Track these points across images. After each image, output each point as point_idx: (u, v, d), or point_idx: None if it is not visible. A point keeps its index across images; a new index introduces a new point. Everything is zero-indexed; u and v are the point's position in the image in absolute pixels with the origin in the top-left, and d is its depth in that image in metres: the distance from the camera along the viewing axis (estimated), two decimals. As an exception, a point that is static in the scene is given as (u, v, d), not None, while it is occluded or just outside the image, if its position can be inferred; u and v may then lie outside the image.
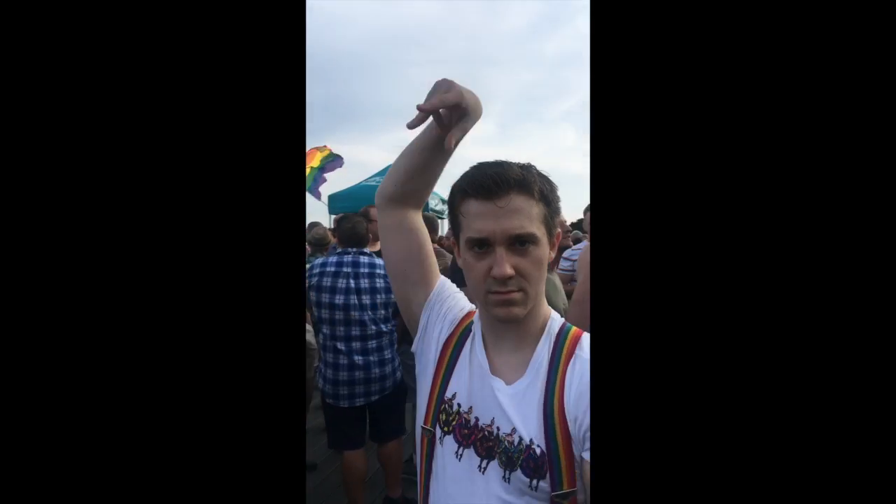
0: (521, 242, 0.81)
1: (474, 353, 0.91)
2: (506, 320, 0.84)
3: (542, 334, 0.88)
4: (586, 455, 0.78)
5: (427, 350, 0.97)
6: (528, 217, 0.81)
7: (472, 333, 0.93)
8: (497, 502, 0.82)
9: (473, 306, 0.98)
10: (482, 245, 0.82)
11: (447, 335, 0.96)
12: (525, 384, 0.85)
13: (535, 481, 0.80)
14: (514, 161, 0.86)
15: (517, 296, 0.82)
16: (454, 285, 1.01)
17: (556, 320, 0.91)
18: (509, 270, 0.79)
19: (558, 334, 0.88)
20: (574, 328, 0.90)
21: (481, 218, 0.81)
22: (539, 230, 0.82)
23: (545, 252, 0.84)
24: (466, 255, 0.85)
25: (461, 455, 0.86)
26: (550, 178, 0.87)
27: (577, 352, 0.85)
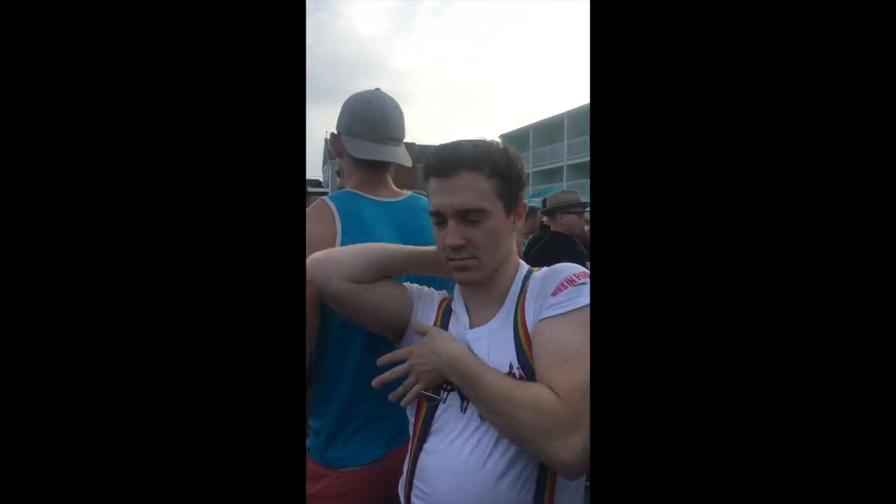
0: (470, 215, 0.90)
1: (457, 318, 1.00)
2: (462, 283, 0.98)
3: (509, 288, 0.98)
4: (536, 319, 0.91)
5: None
6: (476, 192, 0.90)
7: (452, 310, 1.03)
8: (478, 432, 0.91)
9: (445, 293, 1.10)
10: (438, 217, 0.93)
11: (435, 312, 1.05)
12: (497, 322, 0.96)
13: None
14: (477, 139, 0.96)
15: (471, 262, 0.92)
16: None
17: (523, 268, 1.01)
18: (458, 241, 0.90)
19: (524, 279, 0.99)
20: (536, 269, 1.01)
21: (436, 194, 0.92)
22: (490, 204, 0.91)
23: (500, 223, 0.93)
24: (433, 227, 0.96)
25: (465, 407, 0.93)
26: (512, 153, 0.95)
27: (532, 279, 0.97)
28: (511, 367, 0.91)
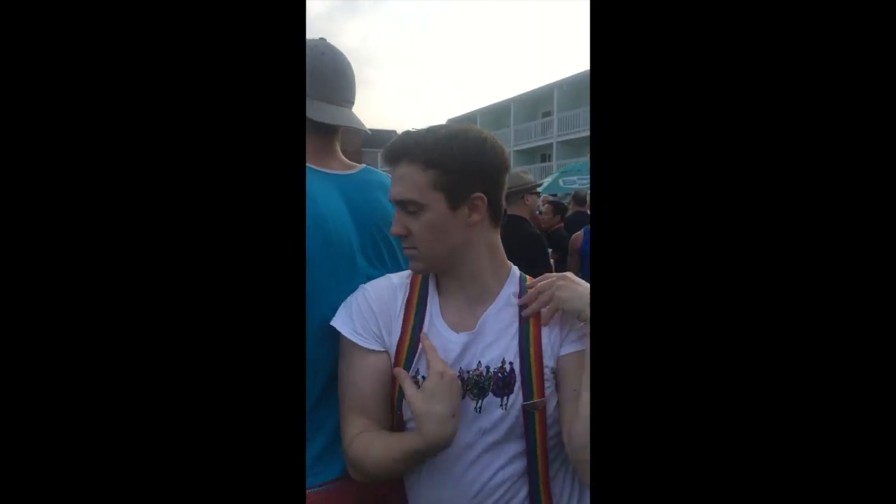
0: (406, 207, 0.90)
1: (432, 316, 0.96)
2: (412, 271, 0.97)
3: (503, 288, 0.96)
4: (563, 350, 0.91)
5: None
6: (410, 184, 0.88)
7: (428, 313, 0.96)
8: (475, 433, 0.90)
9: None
10: (393, 207, 0.93)
11: (404, 296, 0.99)
12: (487, 325, 0.93)
13: (505, 398, 0.90)
14: (437, 126, 0.93)
15: (412, 252, 0.92)
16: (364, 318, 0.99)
17: (514, 272, 1.00)
18: (399, 230, 0.92)
19: (519, 279, 0.98)
20: (528, 277, 1.00)
21: (391, 183, 0.93)
22: (426, 196, 0.88)
23: (440, 217, 0.89)
24: None
25: (480, 407, 0.91)
26: (469, 143, 0.89)
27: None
28: (503, 361, 0.91)
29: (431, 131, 0.91)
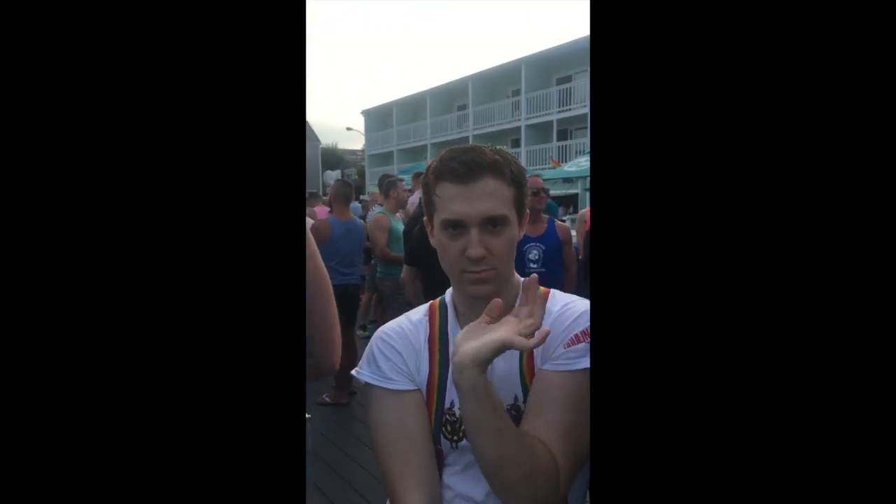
0: (493, 224, 0.86)
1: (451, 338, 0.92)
2: (478, 297, 0.88)
3: (514, 302, 0.91)
4: (544, 366, 0.88)
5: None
6: (500, 199, 0.86)
7: (451, 344, 0.92)
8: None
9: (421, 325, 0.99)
10: (456, 226, 0.86)
11: (426, 329, 0.97)
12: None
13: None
14: (486, 146, 0.91)
15: (489, 274, 0.86)
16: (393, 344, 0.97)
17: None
18: (482, 251, 0.84)
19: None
20: (542, 288, 0.93)
21: (456, 200, 0.85)
22: (510, 212, 0.88)
23: (515, 232, 0.89)
24: (441, 236, 0.88)
25: (456, 444, 0.91)
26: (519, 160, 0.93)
27: (547, 306, 0.89)
28: (516, 399, 0.90)
29: (492, 149, 0.90)
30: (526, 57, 19.88)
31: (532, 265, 3.28)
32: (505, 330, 0.77)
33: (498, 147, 0.92)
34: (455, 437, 0.90)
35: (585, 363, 0.84)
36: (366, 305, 5.96)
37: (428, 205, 0.92)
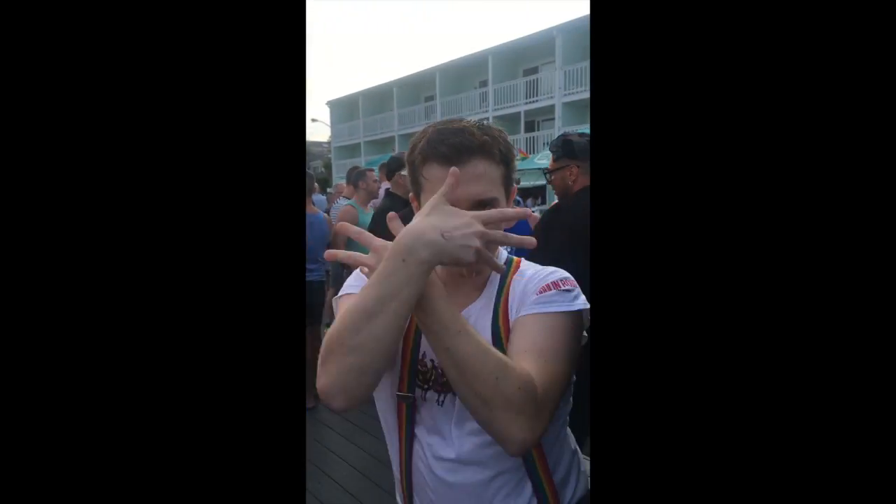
0: (483, 206, 0.84)
1: None
2: (466, 274, 0.91)
3: (491, 273, 0.93)
4: (521, 313, 0.87)
5: None
6: (490, 181, 0.86)
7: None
8: (457, 428, 0.87)
9: None
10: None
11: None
12: (478, 307, 0.91)
13: None
14: (473, 122, 0.88)
15: None
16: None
17: (502, 255, 0.97)
18: None
19: (504, 264, 0.94)
20: (515, 258, 0.98)
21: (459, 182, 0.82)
22: (499, 192, 0.88)
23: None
24: None
25: (443, 401, 0.89)
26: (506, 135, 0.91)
27: (517, 274, 0.94)
28: None
29: (479, 128, 0.88)
30: (493, 48, 19.80)
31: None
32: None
33: (485, 124, 0.89)
34: (426, 385, 0.89)
35: (558, 307, 0.85)
36: (331, 302, 5.78)
37: (414, 184, 0.91)
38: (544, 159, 11.57)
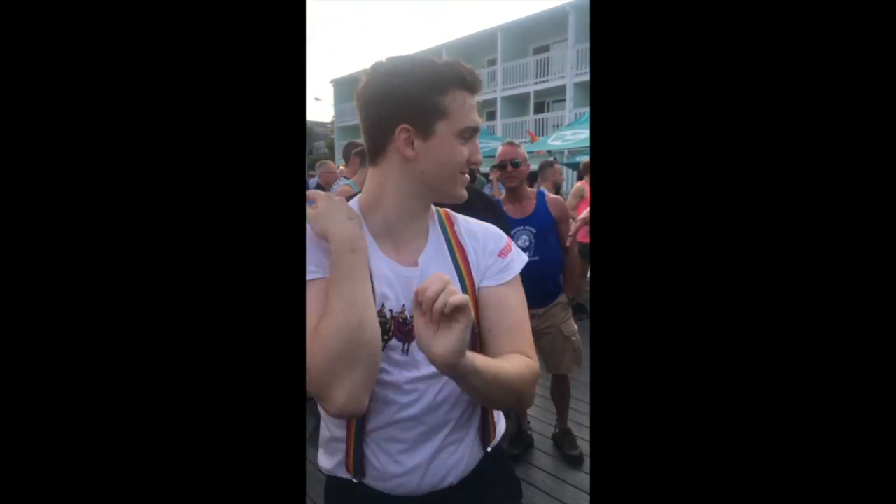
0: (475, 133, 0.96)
1: (377, 263, 0.93)
2: (460, 199, 0.95)
3: (429, 219, 1.00)
4: (483, 283, 0.97)
5: None
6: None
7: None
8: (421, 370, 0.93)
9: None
10: (473, 133, 0.92)
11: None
12: (431, 251, 0.96)
13: None
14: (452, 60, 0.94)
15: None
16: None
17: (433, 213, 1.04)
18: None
19: (438, 216, 1.02)
20: (441, 210, 1.03)
21: (473, 110, 0.91)
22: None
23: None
24: (454, 142, 0.90)
25: (408, 350, 0.92)
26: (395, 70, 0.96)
27: (455, 221, 1.03)
28: None
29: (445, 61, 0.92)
30: (502, 25, 19.18)
31: (524, 253, 2.70)
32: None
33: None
34: (385, 336, 0.90)
35: (518, 266, 0.99)
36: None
37: (428, 110, 0.88)
38: (558, 140, 11.15)
